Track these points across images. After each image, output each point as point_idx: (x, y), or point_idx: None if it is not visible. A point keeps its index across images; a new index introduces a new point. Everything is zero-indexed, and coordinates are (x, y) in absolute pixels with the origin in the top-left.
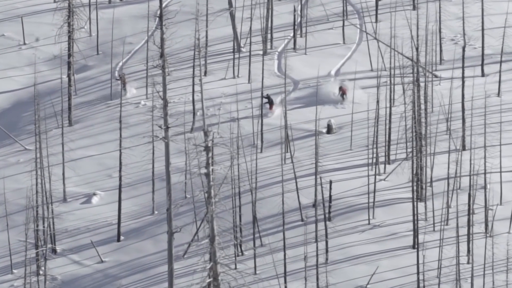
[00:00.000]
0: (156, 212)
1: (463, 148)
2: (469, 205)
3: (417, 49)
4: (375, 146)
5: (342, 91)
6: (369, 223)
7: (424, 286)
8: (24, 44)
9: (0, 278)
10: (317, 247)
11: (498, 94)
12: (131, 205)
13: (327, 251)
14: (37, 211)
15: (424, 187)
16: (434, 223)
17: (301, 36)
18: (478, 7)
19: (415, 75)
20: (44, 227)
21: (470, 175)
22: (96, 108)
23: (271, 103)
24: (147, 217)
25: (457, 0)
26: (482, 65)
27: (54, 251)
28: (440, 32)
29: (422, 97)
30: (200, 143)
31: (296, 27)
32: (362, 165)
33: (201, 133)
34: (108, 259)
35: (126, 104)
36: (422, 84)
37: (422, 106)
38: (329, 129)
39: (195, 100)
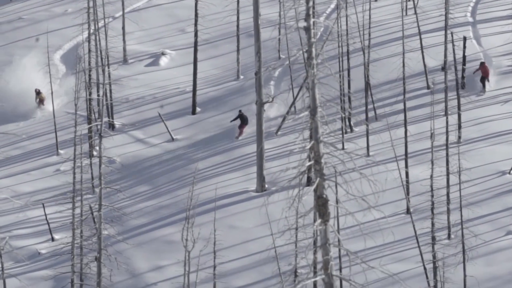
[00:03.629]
0: (241, 77)
1: None
2: None
3: None
4: None
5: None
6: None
7: None
8: None
9: (44, 160)
10: (447, 122)
11: None
12: (210, 68)
13: (459, 127)
14: (90, 75)
15: None
16: None
17: None
18: None
19: None
20: (99, 95)
21: None
22: None
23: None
24: (230, 83)
25: None
26: None
27: (111, 126)
28: None
29: None
30: None
31: None
32: (507, 17)
33: None
34: (180, 137)
35: None
36: None
37: None
38: None
39: None
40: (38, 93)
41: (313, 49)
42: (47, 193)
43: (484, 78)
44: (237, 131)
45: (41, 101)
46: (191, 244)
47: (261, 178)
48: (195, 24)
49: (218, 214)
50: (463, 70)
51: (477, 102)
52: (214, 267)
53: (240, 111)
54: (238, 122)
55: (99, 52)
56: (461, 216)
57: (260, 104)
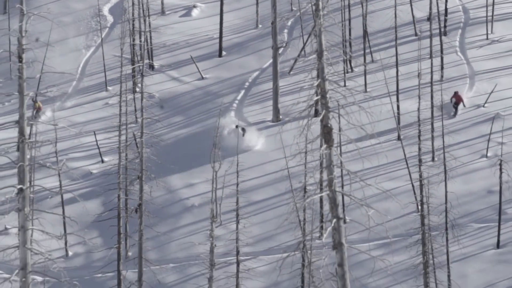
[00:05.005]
0: (260, 25)
1: None
2: None
3: None
4: None
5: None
6: (487, 38)
7: None
8: None
9: (95, 95)
10: (431, 64)
11: None
12: (234, 18)
13: (442, 68)
14: (133, 24)
15: None
16: None
17: None
18: None
19: None
20: (141, 41)
21: None
22: None
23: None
24: (250, 31)
25: None
26: None
27: (151, 67)
28: None
29: None
30: None
31: None
32: None
33: None
34: (208, 76)
35: None
36: None
37: None
38: None
39: None
40: (35, 102)
41: (320, 2)
42: (98, 123)
43: (457, 104)
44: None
45: (38, 109)
46: (218, 165)
47: (276, 110)
48: None
49: (240, 140)
50: (445, 20)
51: (456, 47)
52: (237, 184)
53: (237, 126)
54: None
55: (141, 5)
56: (443, 142)
57: (276, 49)
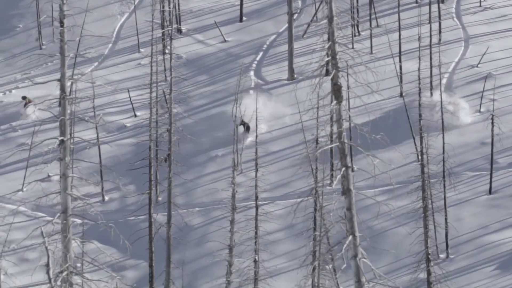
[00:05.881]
0: None
1: None
2: None
3: None
4: None
5: None
6: (480, 5)
7: None
8: None
9: (128, 56)
10: (430, 28)
11: None
12: None
13: (440, 32)
14: None
15: None
16: None
17: None
18: None
19: None
20: (169, 8)
21: None
22: None
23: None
24: None
25: None
26: None
27: (179, 31)
28: None
29: None
30: None
31: None
32: None
33: None
34: (230, 39)
35: None
36: None
37: None
38: None
39: None
40: (24, 97)
41: None
42: (131, 81)
43: None
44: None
45: (28, 103)
46: (238, 119)
47: (291, 69)
48: None
49: (259, 97)
50: None
51: (452, 13)
52: (256, 136)
53: (242, 120)
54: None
55: None
56: (441, 98)
57: (291, 14)
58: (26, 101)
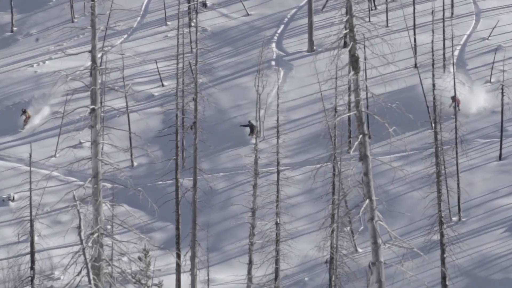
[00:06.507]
0: None
1: None
2: None
3: None
4: None
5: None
6: None
7: None
8: None
9: (156, 29)
10: (443, 2)
11: None
12: None
13: (452, 6)
14: None
15: None
16: None
17: None
18: None
19: None
20: None
21: None
22: None
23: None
24: None
25: None
26: None
27: (204, 5)
28: None
29: None
30: None
31: None
32: None
33: None
34: (253, 12)
35: None
36: None
37: None
38: None
39: None
40: (24, 112)
41: None
42: (158, 53)
43: (457, 106)
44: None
45: (26, 119)
46: (261, 89)
47: (311, 42)
48: None
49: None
50: None
51: None
52: (278, 105)
53: (249, 121)
54: (247, 130)
55: None
56: (454, 68)
57: None
58: (26, 115)
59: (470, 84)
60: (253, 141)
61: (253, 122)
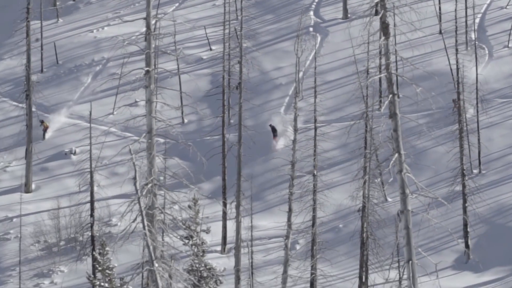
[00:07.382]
0: None
1: None
2: None
3: None
4: None
5: None
6: None
7: None
8: None
9: None
10: None
11: None
12: None
13: None
14: None
15: None
16: None
17: None
18: None
19: None
20: None
21: None
22: None
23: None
24: None
25: None
26: None
27: None
28: None
29: None
30: None
31: None
32: None
33: None
34: None
35: None
36: None
37: None
38: None
39: None
40: (42, 122)
41: None
42: (207, 20)
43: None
44: (273, 144)
45: (45, 129)
46: (300, 52)
47: (345, 10)
48: None
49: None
50: None
51: None
52: (315, 67)
53: (270, 125)
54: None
55: None
56: (475, 33)
57: None
58: (44, 126)
59: (490, 49)
60: (277, 146)
61: (274, 125)
